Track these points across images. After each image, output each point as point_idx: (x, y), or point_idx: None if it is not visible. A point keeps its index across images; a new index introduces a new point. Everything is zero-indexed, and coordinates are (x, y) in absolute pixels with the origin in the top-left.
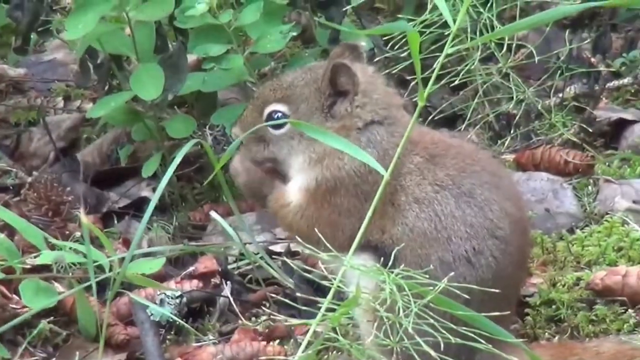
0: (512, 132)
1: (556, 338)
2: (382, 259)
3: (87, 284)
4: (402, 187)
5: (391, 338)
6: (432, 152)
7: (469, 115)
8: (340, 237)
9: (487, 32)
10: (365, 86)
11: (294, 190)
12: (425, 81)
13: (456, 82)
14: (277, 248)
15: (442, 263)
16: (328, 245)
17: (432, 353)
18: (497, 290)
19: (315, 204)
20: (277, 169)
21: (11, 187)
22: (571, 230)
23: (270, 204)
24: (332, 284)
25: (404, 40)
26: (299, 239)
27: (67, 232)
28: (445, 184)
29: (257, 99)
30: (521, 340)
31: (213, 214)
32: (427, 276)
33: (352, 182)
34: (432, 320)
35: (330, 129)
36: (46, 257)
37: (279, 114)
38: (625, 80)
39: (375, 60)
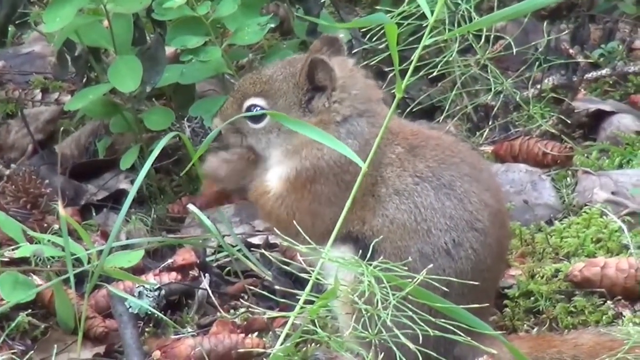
0: (490, 123)
1: (535, 330)
2: (361, 251)
3: (65, 276)
4: (382, 178)
5: (370, 330)
6: (412, 143)
7: (447, 107)
8: (321, 226)
9: (465, 23)
10: (344, 81)
11: (274, 179)
12: (403, 73)
13: (434, 74)
14: (256, 240)
15: (422, 255)
16: (306, 237)
17: (411, 345)
18: (476, 283)
19: (296, 193)
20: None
21: None
22: (550, 222)
23: (250, 192)
24: (311, 276)
25: (382, 31)
26: (278, 229)
27: (46, 225)
28: (425, 175)
29: (237, 91)
30: (500, 332)
31: (191, 206)
32: (406, 268)
33: (332, 171)
34: (410, 313)
35: (309, 124)
36: (25, 250)
37: (258, 108)
38: (604, 72)
39: (354, 52)
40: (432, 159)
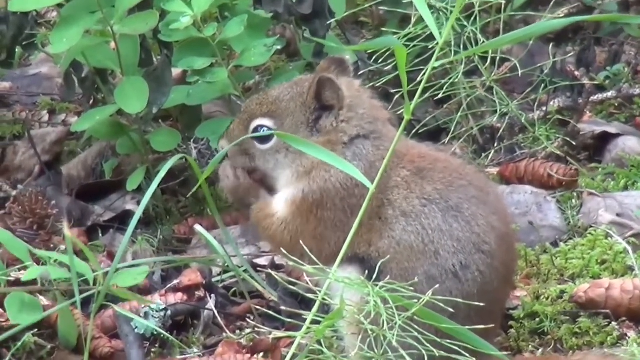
0: (496, 145)
1: (540, 351)
2: (368, 272)
3: (73, 300)
4: (389, 200)
5: (375, 351)
6: (419, 166)
7: (453, 129)
8: (326, 250)
9: (471, 45)
10: (351, 100)
11: (280, 202)
12: (409, 94)
13: (440, 96)
14: (262, 261)
15: (429, 277)
16: (312, 258)
17: None
18: (482, 304)
19: (301, 217)
20: (264, 179)
21: None
22: (555, 244)
23: (254, 212)
24: (317, 297)
25: (387, 53)
26: (281, 251)
27: (52, 246)
28: (432, 197)
29: (244, 113)
30: (505, 353)
31: (197, 227)
32: (412, 289)
33: (339, 195)
34: (416, 334)
35: (316, 144)
36: (32, 273)
37: (265, 129)
38: (609, 94)
39: (360, 73)
40: (440, 181)
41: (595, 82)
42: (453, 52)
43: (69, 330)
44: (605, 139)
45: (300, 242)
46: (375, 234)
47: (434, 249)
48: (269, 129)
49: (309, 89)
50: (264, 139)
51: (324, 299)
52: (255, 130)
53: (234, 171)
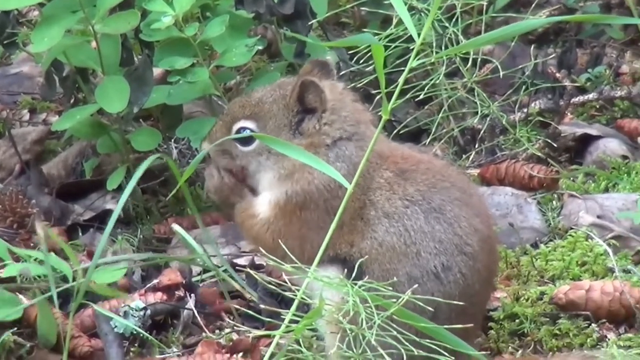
0: (476, 146)
1: (519, 352)
2: (349, 272)
3: (49, 294)
4: (371, 201)
5: (354, 350)
6: (402, 167)
7: (433, 130)
8: (309, 251)
9: (453, 46)
10: (334, 103)
11: (264, 203)
12: (390, 95)
13: (421, 97)
14: (242, 261)
15: (410, 278)
16: (294, 259)
17: None
18: (462, 303)
19: (284, 219)
20: (247, 179)
21: None
22: (535, 245)
23: (237, 212)
24: (296, 296)
25: (369, 54)
26: (263, 252)
27: (32, 244)
28: (415, 199)
29: (226, 115)
30: (484, 353)
31: (175, 226)
32: (393, 289)
33: (322, 197)
34: (395, 333)
35: (299, 146)
36: (11, 269)
37: (247, 131)
38: (590, 96)
39: (341, 74)
40: (423, 182)
41: (577, 84)
42: (434, 54)
43: (49, 329)
44: (586, 140)
45: (283, 243)
46: (358, 235)
47: (415, 250)
48: (252, 131)
49: (291, 92)
50: (246, 141)
51: (303, 298)
52: (238, 132)
53: (218, 171)
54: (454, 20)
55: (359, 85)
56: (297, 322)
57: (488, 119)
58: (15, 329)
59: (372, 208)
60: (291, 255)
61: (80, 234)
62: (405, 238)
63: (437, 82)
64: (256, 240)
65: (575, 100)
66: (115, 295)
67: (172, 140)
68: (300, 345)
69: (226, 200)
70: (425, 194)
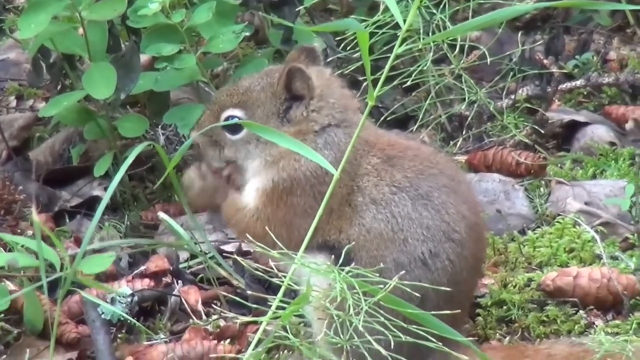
0: (464, 133)
1: (507, 339)
2: (337, 259)
3: (39, 284)
4: (359, 188)
5: (342, 336)
6: (389, 154)
7: (421, 116)
8: (296, 238)
9: (440, 33)
10: (322, 90)
11: (250, 192)
12: (376, 82)
13: (408, 83)
14: (229, 247)
15: (398, 265)
16: (283, 247)
17: (383, 352)
18: (450, 290)
19: (272, 205)
20: (234, 175)
21: None
22: (523, 232)
23: (224, 209)
24: (284, 283)
25: (356, 41)
26: (253, 241)
27: (19, 231)
28: (402, 185)
29: (214, 104)
30: (471, 339)
31: (161, 214)
32: (378, 275)
33: (309, 182)
34: (383, 320)
35: (287, 134)
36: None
37: (236, 119)
38: (578, 82)
39: (328, 60)
40: (410, 169)
41: (564, 71)
42: (421, 40)
43: (35, 316)
44: (573, 127)
45: (272, 229)
46: (345, 221)
47: (403, 236)
48: (240, 119)
49: (278, 79)
50: (235, 130)
51: (290, 284)
52: (226, 120)
53: (198, 172)
54: (441, 6)
55: (346, 72)
56: (284, 308)
57: (475, 105)
58: (2, 315)
59: (359, 194)
60: (279, 243)
61: (67, 220)
62: (393, 225)
63: (425, 68)
64: (247, 231)
65: (562, 86)
66: (102, 289)
67: (159, 126)
68: (288, 332)
69: (211, 203)
70: (413, 181)
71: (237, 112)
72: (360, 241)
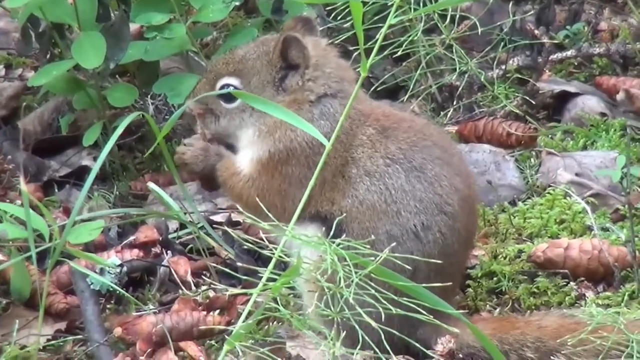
0: (454, 103)
1: (497, 310)
2: (329, 230)
3: (28, 254)
4: (353, 159)
5: (332, 309)
6: (384, 125)
7: (411, 87)
8: (290, 208)
9: (431, 3)
10: (317, 59)
11: (246, 160)
12: (368, 52)
13: (399, 53)
14: (218, 218)
15: (390, 237)
16: (274, 218)
17: (373, 324)
18: (440, 262)
19: (267, 174)
20: (222, 140)
21: None
22: (513, 203)
23: (219, 172)
24: (274, 254)
25: (347, 10)
26: (247, 210)
27: (8, 201)
28: (396, 157)
29: (210, 72)
30: (462, 312)
31: (151, 184)
32: (369, 247)
33: (304, 153)
34: (374, 292)
35: (282, 103)
36: None
37: (231, 88)
38: (569, 53)
39: (319, 30)
40: (404, 141)
41: (555, 41)
42: (412, 10)
43: (22, 284)
44: (564, 98)
45: (266, 199)
46: (339, 193)
47: (395, 209)
48: (235, 87)
49: (274, 48)
50: (230, 98)
51: (280, 256)
52: (222, 89)
53: (203, 136)
54: None
55: (336, 42)
56: (274, 280)
57: (466, 76)
58: None
59: (353, 165)
60: (271, 213)
61: (56, 190)
62: (386, 196)
63: (415, 38)
64: (241, 197)
65: (553, 57)
66: (91, 260)
67: (149, 96)
68: (278, 304)
69: (206, 167)
70: (407, 153)
71: (233, 81)
72: (353, 213)
